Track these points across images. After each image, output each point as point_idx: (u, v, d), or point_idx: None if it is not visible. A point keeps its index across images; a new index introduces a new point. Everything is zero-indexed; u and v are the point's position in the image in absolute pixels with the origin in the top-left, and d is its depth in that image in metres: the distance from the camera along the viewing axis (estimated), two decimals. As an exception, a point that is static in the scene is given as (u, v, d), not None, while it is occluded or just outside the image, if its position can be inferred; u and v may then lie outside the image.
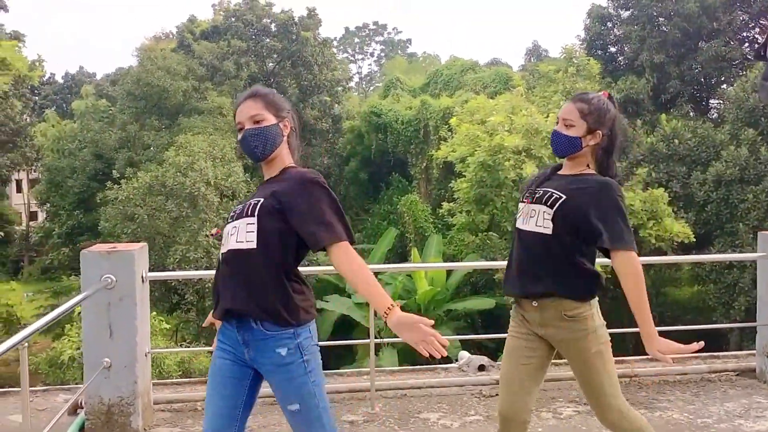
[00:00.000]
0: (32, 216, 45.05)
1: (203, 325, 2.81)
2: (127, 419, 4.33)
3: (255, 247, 2.45)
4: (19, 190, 46.83)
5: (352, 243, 2.47)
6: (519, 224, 2.94)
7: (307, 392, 2.47)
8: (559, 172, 2.99)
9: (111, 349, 4.29)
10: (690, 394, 4.98)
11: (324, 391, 2.54)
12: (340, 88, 34.37)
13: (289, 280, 2.50)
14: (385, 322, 2.28)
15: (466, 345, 20.88)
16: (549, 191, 2.86)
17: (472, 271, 21.74)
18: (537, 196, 2.88)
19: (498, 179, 18.66)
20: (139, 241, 22.02)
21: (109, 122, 30.61)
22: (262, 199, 2.49)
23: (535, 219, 2.84)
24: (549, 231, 2.80)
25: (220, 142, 24.03)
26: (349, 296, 23.65)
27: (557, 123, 2.94)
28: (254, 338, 2.49)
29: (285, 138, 2.64)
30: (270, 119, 2.58)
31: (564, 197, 2.80)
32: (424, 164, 29.89)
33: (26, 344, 2.84)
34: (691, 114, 25.10)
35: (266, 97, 2.61)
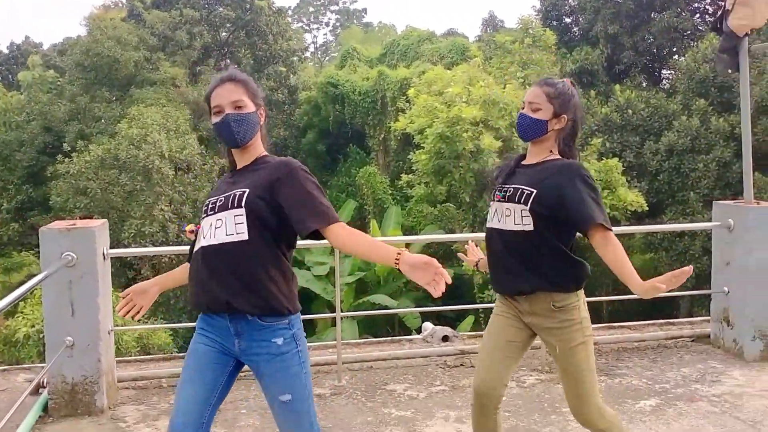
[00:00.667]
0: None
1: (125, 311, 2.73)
2: (92, 398, 4.28)
3: (247, 239, 2.40)
4: (-36, 164, 45.38)
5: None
6: (496, 224, 2.91)
7: (300, 383, 2.46)
8: (524, 163, 2.98)
9: (73, 327, 4.23)
10: (648, 360, 5.12)
11: (311, 381, 2.54)
12: (295, 59, 33.94)
13: (282, 269, 2.47)
14: (399, 270, 2.24)
15: (426, 316, 21.13)
16: (519, 188, 2.86)
17: (431, 243, 21.88)
18: (509, 194, 2.88)
19: (456, 150, 18.70)
20: (92, 216, 21.59)
21: (57, 94, 29.72)
22: (247, 190, 2.44)
23: (512, 218, 2.84)
24: (530, 227, 2.80)
25: (174, 113, 23.59)
26: (309, 269, 23.63)
27: (523, 107, 2.94)
28: (249, 329, 2.45)
29: (260, 125, 2.61)
30: (250, 106, 2.55)
31: (534, 191, 2.80)
32: (382, 136, 29.79)
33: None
34: (644, 84, 25.45)
35: (247, 84, 2.58)
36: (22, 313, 13.39)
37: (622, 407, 4.22)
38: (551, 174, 2.83)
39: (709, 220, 5.62)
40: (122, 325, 8.29)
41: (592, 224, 2.70)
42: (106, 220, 4.66)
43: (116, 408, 4.38)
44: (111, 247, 4.50)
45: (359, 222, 27.66)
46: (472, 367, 5.01)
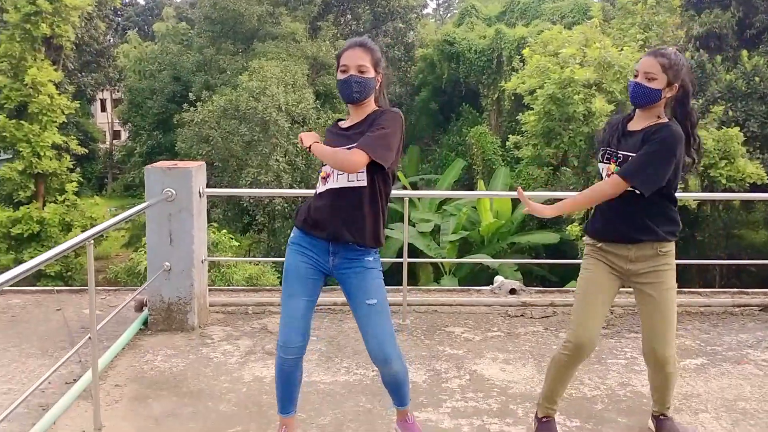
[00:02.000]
0: (116, 135, 46.91)
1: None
2: (185, 317, 4.89)
3: (365, 185, 2.96)
4: (103, 109, 48.69)
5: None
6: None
7: (382, 291, 3.09)
8: (631, 127, 3.20)
9: (171, 254, 4.83)
10: (709, 324, 5.21)
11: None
12: (414, 15, 34.01)
13: (382, 208, 3.04)
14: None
15: (528, 278, 21.18)
16: (628, 156, 3.13)
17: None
18: (620, 161, 3.16)
19: (566, 113, 18.46)
20: (213, 163, 22.80)
21: (187, 45, 31.38)
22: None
23: (607, 176, 3.16)
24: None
25: (293, 68, 24.42)
26: (413, 225, 24.14)
27: (636, 75, 3.13)
28: (346, 251, 3.04)
29: (375, 89, 3.05)
30: (371, 72, 3.00)
31: None
32: (496, 95, 29.60)
33: (92, 242, 3.33)
34: (777, 51, 23.93)
35: (373, 52, 3.02)
36: (144, 248, 14.59)
37: (666, 364, 4.39)
38: (648, 138, 3.11)
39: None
40: (215, 256, 9.02)
41: (622, 173, 3.06)
42: (203, 162, 5.21)
43: (206, 327, 4.98)
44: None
45: (467, 182, 27.82)
46: (532, 317, 5.28)
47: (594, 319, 3.18)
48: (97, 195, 31.31)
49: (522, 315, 5.36)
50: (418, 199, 25.46)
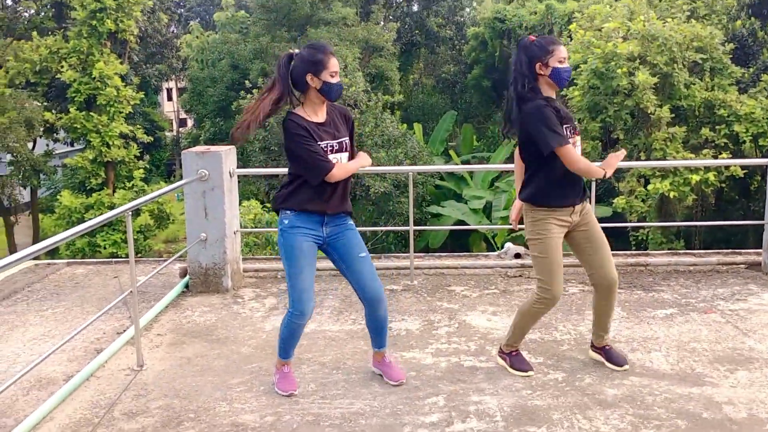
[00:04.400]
0: (182, 123, 48.69)
1: None
2: (219, 280, 5.65)
3: None
4: (170, 98, 50.56)
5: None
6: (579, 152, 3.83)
7: (365, 247, 3.83)
8: (557, 105, 3.78)
9: (206, 226, 5.59)
10: (692, 281, 5.68)
11: None
12: (465, -6, 34.21)
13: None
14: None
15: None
16: (576, 126, 3.84)
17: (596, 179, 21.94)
18: (578, 130, 3.86)
19: (611, 87, 18.61)
20: (270, 148, 23.61)
21: (245, 34, 32.39)
22: (347, 138, 3.75)
23: (579, 149, 3.80)
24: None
25: (344, 52, 25.08)
26: (466, 202, 24.62)
27: (562, 62, 3.67)
28: (336, 219, 3.76)
29: None
30: None
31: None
32: (548, 71, 29.62)
33: (130, 213, 4.09)
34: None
35: None
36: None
37: (638, 315, 4.92)
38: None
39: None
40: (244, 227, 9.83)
41: None
42: (233, 147, 5.94)
43: (238, 290, 5.73)
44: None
45: (519, 158, 27.98)
46: (529, 278, 5.85)
47: (562, 275, 3.84)
48: (165, 181, 32.81)
49: (520, 275, 5.94)
50: (471, 176, 25.92)
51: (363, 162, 3.79)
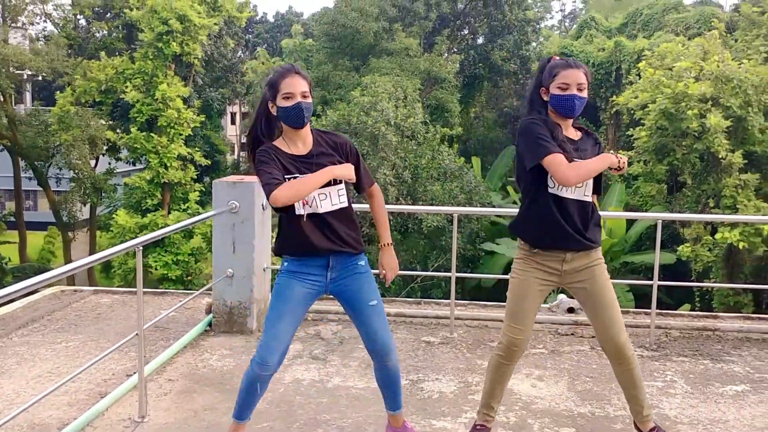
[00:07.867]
0: (244, 147, 49.25)
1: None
2: (245, 320, 5.27)
3: (347, 204, 3.28)
4: (233, 122, 51.29)
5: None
6: (566, 194, 3.26)
7: (377, 292, 3.33)
8: (567, 135, 3.29)
9: (233, 261, 5.23)
10: (766, 352, 5.03)
11: None
12: (530, 29, 33.72)
13: (355, 218, 3.35)
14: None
15: (643, 301, 20.40)
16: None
17: (654, 223, 21.06)
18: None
19: (680, 128, 17.82)
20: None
21: (309, 61, 32.54)
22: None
23: (583, 190, 3.29)
24: (589, 199, 3.32)
25: (405, 82, 24.85)
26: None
27: (566, 88, 3.22)
28: (342, 260, 3.26)
29: None
30: (310, 97, 3.20)
31: None
32: (614, 110, 28.82)
33: (140, 248, 3.74)
34: None
35: (308, 79, 3.21)
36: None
37: (706, 389, 4.32)
38: (591, 146, 3.36)
39: None
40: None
41: None
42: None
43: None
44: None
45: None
46: (582, 336, 5.30)
47: (530, 325, 3.40)
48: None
49: (572, 334, 5.38)
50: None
51: (324, 174, 3.11)
